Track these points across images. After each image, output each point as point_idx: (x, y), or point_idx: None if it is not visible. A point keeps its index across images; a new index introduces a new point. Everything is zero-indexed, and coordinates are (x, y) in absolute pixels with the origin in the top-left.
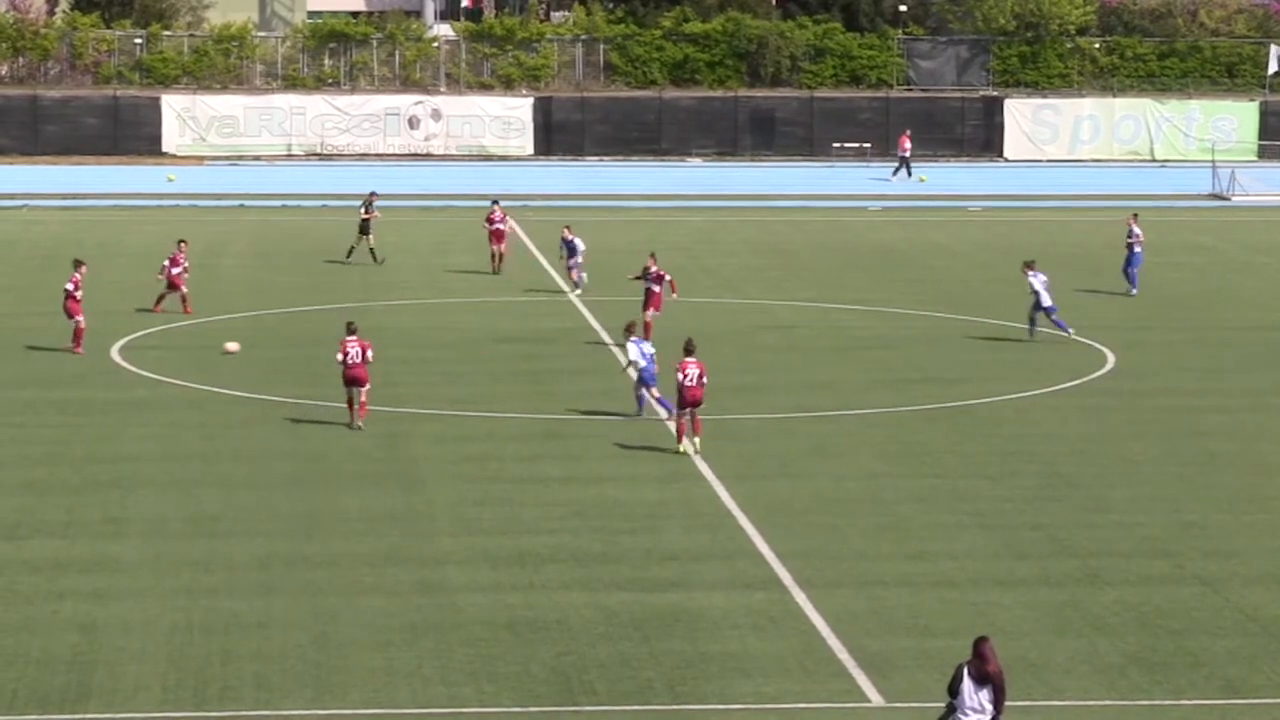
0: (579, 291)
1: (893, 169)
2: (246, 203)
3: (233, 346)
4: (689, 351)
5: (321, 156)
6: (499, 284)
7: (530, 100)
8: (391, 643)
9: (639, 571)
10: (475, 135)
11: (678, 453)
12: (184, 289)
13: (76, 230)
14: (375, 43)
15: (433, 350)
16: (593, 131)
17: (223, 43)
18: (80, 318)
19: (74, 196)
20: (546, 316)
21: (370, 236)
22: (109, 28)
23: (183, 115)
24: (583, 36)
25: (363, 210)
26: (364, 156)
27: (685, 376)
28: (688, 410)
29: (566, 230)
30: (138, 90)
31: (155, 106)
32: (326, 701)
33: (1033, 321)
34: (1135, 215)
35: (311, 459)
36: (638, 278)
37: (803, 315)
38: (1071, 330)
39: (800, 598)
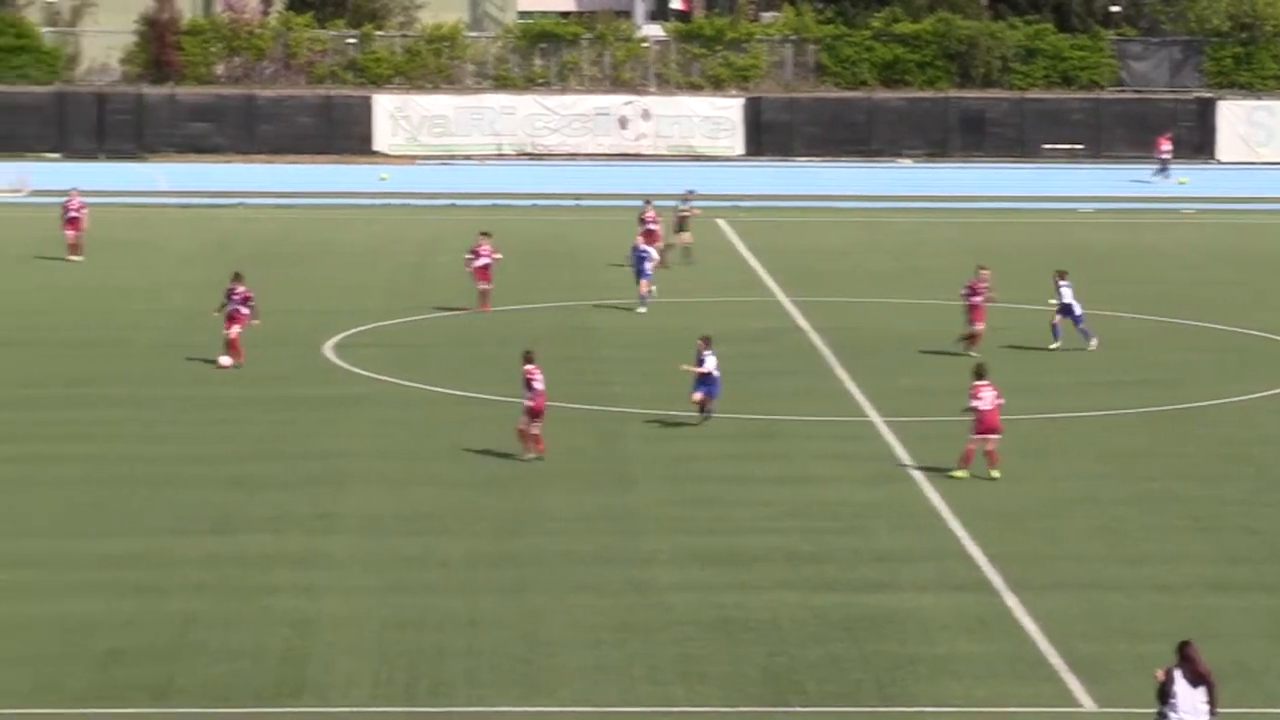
0: (642, 309)
1: (1154, 170)
2: (457, 202)
3: (225, 361)
4: (981, 375)
5: (531, 156)
6: (708, 284)
7: (740, 101)
8: (601, 641)
9: (849, 572)
10: (685, 135)
11: (952, 475)
12: (488, 284)
13: (290, 228)
14: (585, 43)
15: (643, 350)
16: (802, 132)
17: (434, 43)
18: (233, 330)
19: (288, 195)
20: (756, 316)
21: (687, 235)
22: (322, 28)
23: (395, 115)
24: (792, 37)
25: (680, 208)
26: (574, 156)
27: (981, 401)
28: (984, 437)
29: (640, 239)
30: (350, 90)
31: (367, 106)
32: (536, 699)
33: (1056, 329)
34: None
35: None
36: (968, 293)
37: (1012, 317)
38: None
39: (1011, 600)
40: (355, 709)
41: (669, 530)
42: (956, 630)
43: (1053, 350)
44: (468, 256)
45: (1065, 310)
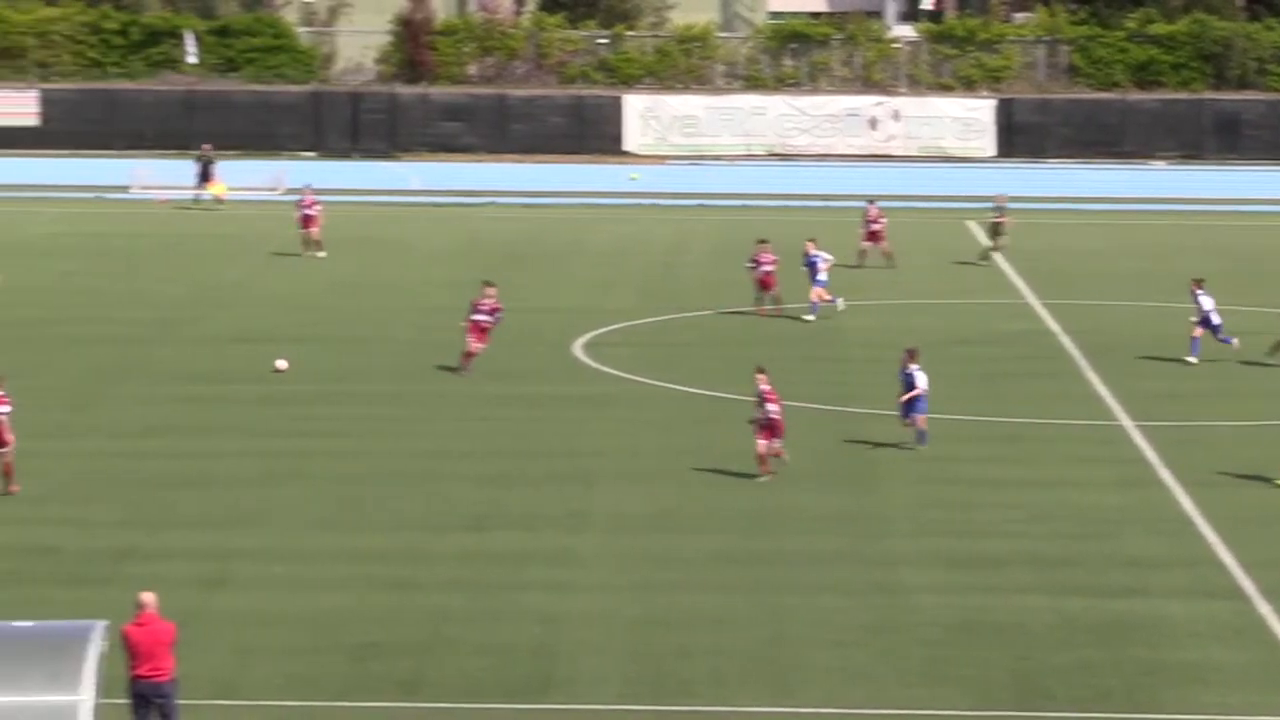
0: (840, 306)
1: None
2: (706, 202)
3: (282, 365)
4: None
5: (781, 157)
6: (958, 286)
7: (991, 102)
8: (846, 642)
9: (1098, 577)
10: (935, 137)
11: (1276, 484)
12: (775, 289)
13: (539, 228)
14: (836, 43)
15: (891, 351)
16: (1054, 133)
17: (685, 43)
18: (476, 344)
19: (537, 194)
20: (1005, 318)
21: (1002, 239)
22: (574, 28)
23: (645, 115)
24: (1045, 38)
25: (995, 214)
26: (823, 157)
27: None
28: None
29: (810, 245)
30: (601, 90)
31: (618, 106)
32: (782, 699)
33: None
34: None
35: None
36: None
37: (1269, 322)
38: (1235, 340)
39: (1264, 608)
40: (603, 707)
41: (915, 532)
42: (1208, 637)
43: (1190, 364)
44: (749, 265)
45: (1204, 321)
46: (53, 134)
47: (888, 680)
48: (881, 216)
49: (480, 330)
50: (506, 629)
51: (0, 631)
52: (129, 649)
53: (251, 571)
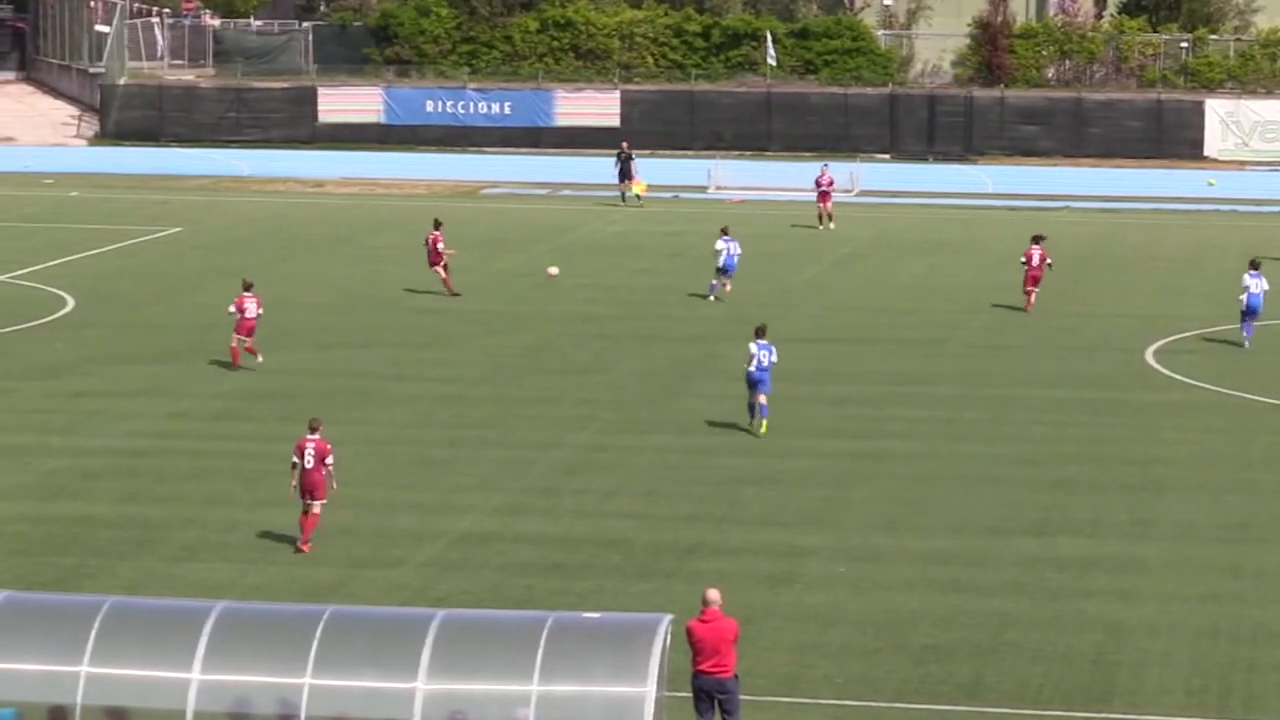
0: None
1: None
2: None
3: (553, 271)
4: None
5: None
6: None
7: None
8: None
9: None
10: None
11: None
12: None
13: (1112, 232)
14: None
15: None
16: None
17: (1269, 47)
18: None
19: (1112, 199)
20: None
21: None
22: (1155, 31)
23: (1225, 119)
24: None
25: None
26: None
27: None
28: None
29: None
30: (1181, 94)
31: (1198, 110)
32: None
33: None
34: None
35: None
36: None
37: None
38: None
39: None
40: (1165, 718)
41: None
42: None
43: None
44: None
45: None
46: (633, 134)
47: None
48: None
49: None
50: (1068, 636)
51: (570, 622)
52: (693, 644)
53: (817, 570)
